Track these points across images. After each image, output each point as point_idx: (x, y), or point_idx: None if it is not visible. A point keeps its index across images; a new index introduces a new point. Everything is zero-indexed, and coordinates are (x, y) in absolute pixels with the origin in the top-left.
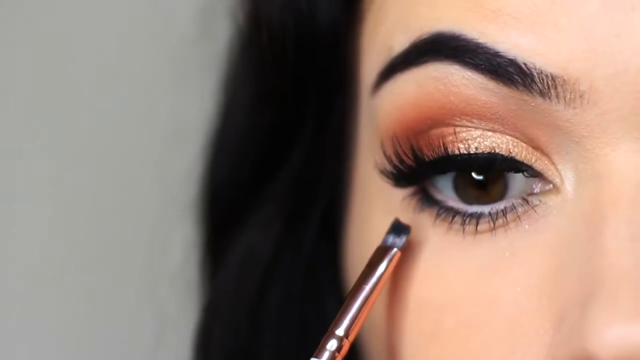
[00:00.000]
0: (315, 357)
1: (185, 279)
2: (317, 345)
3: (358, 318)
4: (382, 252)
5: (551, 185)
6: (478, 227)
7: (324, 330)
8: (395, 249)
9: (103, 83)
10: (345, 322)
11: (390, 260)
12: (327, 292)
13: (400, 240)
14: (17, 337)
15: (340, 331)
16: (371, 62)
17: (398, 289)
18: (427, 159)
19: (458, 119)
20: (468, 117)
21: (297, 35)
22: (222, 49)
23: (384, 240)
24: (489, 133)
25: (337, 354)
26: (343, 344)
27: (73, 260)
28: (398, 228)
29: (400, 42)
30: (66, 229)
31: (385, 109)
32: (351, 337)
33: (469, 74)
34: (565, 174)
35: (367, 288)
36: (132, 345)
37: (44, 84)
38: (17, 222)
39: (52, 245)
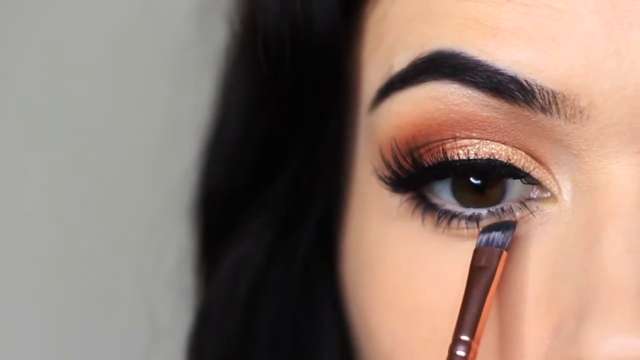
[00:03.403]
0: None
1: (178, 284)
2: (311, 353)
3: (480, 320)
4: (490, 254)
5: (549, 194)
6: (478, 230)
7: (318, 337)
8: (502, 250)
9: (98, 85)
10: (469, 325)
11: (498, 261)
12: (322, 300)
13: (507, 239)
14: (10, 342)
15: (465, 336)
16: (371, 77)
17: (395, 293)
18: (426, 164)
19: (458, 133)
20: (468, 132)
21: (293, 43)
22: (218, 50)
23: (491, 241)
24: (488, 141)
25: (468, 358)
26: (472, 346)
27: (66, 264)
28: (502, 225)
29: (400, 61)
30: (59, 233)
31: (383, 127)
32: (478, 338)
33: (469, 92)
34: (563, 184)
35: (481, 290)
36: (125, 350)
37: (39, 86)
38: (9, 227)
39: (45, 249)
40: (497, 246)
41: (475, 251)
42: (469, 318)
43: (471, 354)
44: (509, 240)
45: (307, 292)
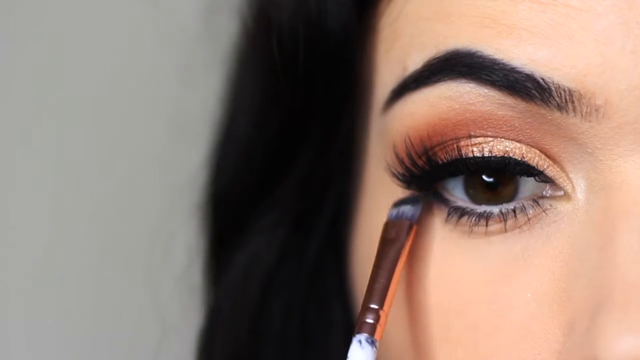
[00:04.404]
0: (357, 333)
1: (188, 283)
2: (320, 352)
3: (389, 289)
4: (399, 227)
5: (562, 192)
6: (488, 228)
7: (328, 337)
8: (411, 223)
9: (107, 82)
10: (378, 294)
11: (408, 234)
12: (332, 300)
13: (416, 212)
14: (18, 342)
15: (374, 304)
16: (384, 77)
17: (407, 292)
18: (440, 162)
19: (473, 131)
20: (483, 130)
21: (306, 40)
22: (227, 47)
23: (400, 214)
24: (503, 139)
25: (377, 325)
26: (380, 314)
27: (75, 264)
28: (411, 199)
29: (414, 62)
30: (68, 233)
31: (397, 128)
32: (386, 308)
33: (485, 90)
34: (576, 182)
35: (390, 262)
36: (134, 350)
37: (47, 84)
38: (16, 226)
39: (54, 249)
40: (407, 219)
41: (386, 224)
42: (378, 288)
43: (380, 322)
44: (417, 213)
45: (317, 291)
